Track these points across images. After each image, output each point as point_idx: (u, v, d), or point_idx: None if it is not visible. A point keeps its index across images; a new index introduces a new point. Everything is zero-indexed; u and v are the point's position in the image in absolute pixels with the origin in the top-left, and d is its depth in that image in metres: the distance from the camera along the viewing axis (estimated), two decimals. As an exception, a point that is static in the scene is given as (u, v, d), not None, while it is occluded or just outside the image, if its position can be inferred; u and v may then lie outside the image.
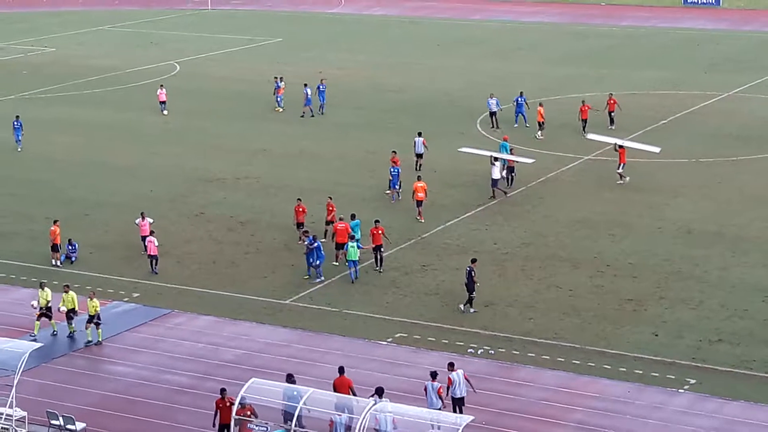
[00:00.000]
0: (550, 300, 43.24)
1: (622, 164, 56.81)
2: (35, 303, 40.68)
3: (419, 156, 59.75)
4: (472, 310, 42.22)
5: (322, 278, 45.08)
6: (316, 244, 44.98)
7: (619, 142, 58.21)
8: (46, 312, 40.60)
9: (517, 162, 56.59)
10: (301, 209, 49.01)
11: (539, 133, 65.34)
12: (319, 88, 72.57)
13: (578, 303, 42.91)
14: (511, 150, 57.44)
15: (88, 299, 40.34)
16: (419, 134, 60.57)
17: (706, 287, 44.20)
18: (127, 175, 60.36)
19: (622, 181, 56.80)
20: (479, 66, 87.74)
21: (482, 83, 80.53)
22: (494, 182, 54.75)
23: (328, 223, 48.80)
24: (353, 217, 47.70)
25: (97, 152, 64.71)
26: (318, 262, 45.00)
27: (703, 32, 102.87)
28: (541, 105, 66.48)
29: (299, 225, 48.82)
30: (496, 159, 54.99)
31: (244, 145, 65.60)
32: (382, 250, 45.88)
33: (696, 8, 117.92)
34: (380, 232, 45.78)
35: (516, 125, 67.40)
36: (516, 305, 42.83)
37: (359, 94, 77.08)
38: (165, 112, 72.56)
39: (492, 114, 67.75)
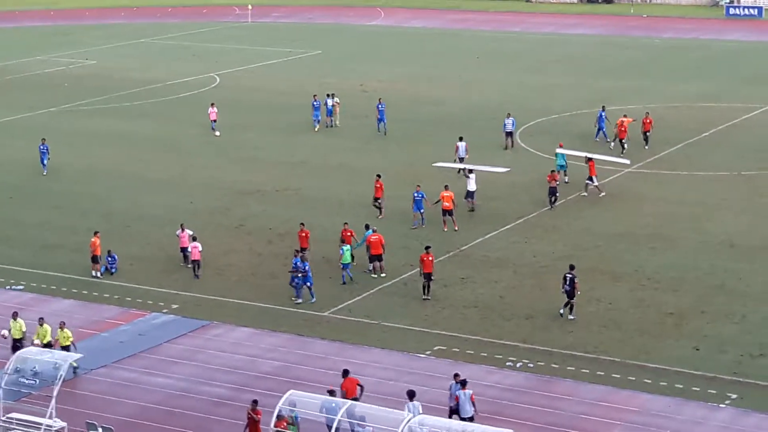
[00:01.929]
0: (590, 313, 42.96)
1: (592, 176, 56.42)
2: (6, 333, 39.10)
3: (461, 160, 60.12)
4: (571, 317, 42.16)
5: (313, 299, 44.33)
6: (303, 266, 44.15)
7: (589, 155, 58.03)
8: (16, 344, 38.72)
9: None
10: (304, 234, 47.82)
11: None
12: (378, 107, 70.42)
13: (619, 316, 42.61)
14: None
15: (59, 329, 38.62)
16: (461, 139, 61.23)
17: (748, 301, 43.77)
18: (168, 187, 60.63)
19: (602, 193, 56.37)
20: (519, 78, 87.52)
21: (522, 96, 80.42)
22: (469, 194, 54.54)
23: (301, 249, 47.05)
24: (367, 227, 47.78)
25: (138, 164, 65.05)
26: (308, 284, 44.26)
27: (745, 44, 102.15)
28: (625, 116, 65.61)
29: (302, 250, 46.94)
30: (470, 171, 54.91)
31: (284, 158, 65.73)
32: (432, 278, 44.47)
33: (738, 20, 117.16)
34: (430, 259, 44.36)
35: (597, 139, 66.01)
36: (556, 318, 42.57)
37: (398, 106, 76.91)
38: (217, 133, 70.53)
39: (508, 134, 65.87)
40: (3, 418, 33.82)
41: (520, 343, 40.55)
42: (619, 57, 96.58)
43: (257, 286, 46.22)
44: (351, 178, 61.05)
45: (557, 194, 54.96)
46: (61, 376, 33.61)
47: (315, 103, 72.30)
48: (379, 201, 53.94)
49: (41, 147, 63.28)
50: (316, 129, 71.72)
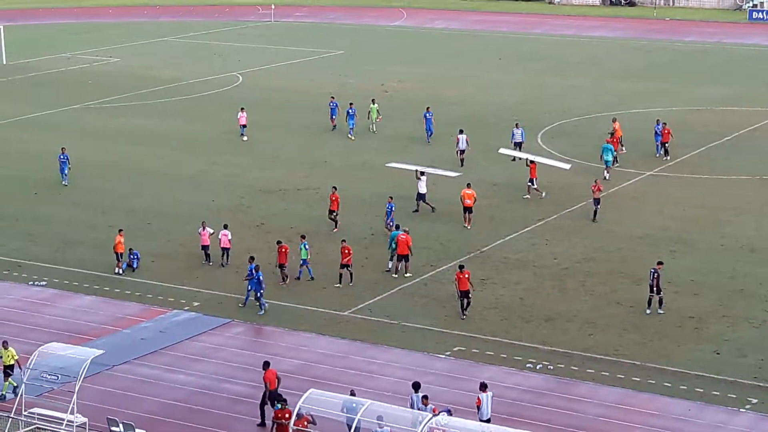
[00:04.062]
0: (611, 316, 42.98)
1: (533, 179, 56.47)
2: None
3: (462, 152, 61.57)
4: (660, 311, 42.62)
5: (265, 309, 43.70)
6: (257, 275, 43.68)
7: (531, 157, 58.11)
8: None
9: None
10: (283, 250, 46.81)
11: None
12: (425, 116, 68.72)
13: (639, 319, 42.61)
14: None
15: (2, 349, 36.96)
16: (461, 131, 62.51)
17: (769, 306, 43.77)
18: (190, 185, 60.88)
19: (542, 195, 56.34)
20: (540, 80, 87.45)
21: (543, 97, 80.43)
22: (420, 196, 54.48)
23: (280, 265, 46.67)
24: (397, 227, 48.10)
25: (161, 162, 65.33)
26: (259, 294, 43.76)
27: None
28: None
29: (281, 266, 46.64)
30: (422, 173, 55.01)
31: (305, 157, 65.88)
32: (470, 295, 43.31)
33: (761, 24, 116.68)
34: (466, 276, 43.10)
35: (659, 155, 63.53)
36: (576, 320, 42.63)
37: (420, 106, 76.85)
38: (245, 138, 69.43)
39: (517, 144, 64.02)
40: (25, 413, 34.08)
41: (540, 345, 40.60)
42: (641, 60, 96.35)
43: (277, 285, 46.33)
44: (373, 178, 61.16)
45: (599, 206, 53.35)
46: (82, 372, 33.81)
47: (350, 110, 69.64)
48: (335, 214, 53.02)
49: (61, 156, 60.89)
50: (352, 137, 69.57)
